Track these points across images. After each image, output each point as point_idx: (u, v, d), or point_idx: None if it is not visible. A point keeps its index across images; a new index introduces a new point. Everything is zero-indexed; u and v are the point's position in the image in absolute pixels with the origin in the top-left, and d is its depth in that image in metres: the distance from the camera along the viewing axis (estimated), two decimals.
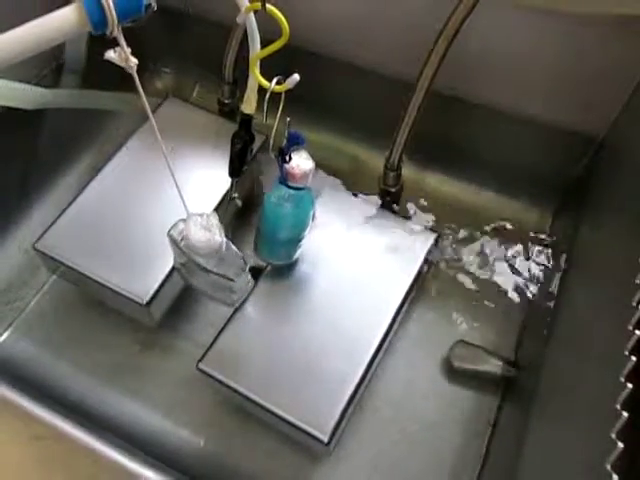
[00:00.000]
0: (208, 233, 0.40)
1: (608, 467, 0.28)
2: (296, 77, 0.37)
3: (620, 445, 0.28)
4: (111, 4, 0.25)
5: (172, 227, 0.41)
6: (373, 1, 0.57)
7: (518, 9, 0.51)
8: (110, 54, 0.29)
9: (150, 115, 0.33)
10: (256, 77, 0.39)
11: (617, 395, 0.30)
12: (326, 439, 0.46)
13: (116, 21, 0.26)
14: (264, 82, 0.39)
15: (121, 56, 0.29)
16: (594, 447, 0.31)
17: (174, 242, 0.41)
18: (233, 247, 0.44)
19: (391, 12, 0.57)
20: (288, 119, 0.41)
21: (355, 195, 0.59)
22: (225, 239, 0.42)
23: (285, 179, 0.45)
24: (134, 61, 0.29)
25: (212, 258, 0.42)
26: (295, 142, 0.43)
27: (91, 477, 0.35)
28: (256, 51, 0.39)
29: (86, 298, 0.60)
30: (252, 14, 0.37)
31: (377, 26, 0.59)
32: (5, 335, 0.59)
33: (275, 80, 0.39)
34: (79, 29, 0.26)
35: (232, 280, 0.46)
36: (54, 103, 0.59)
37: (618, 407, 0.30)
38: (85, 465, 0.36)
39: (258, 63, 0.40)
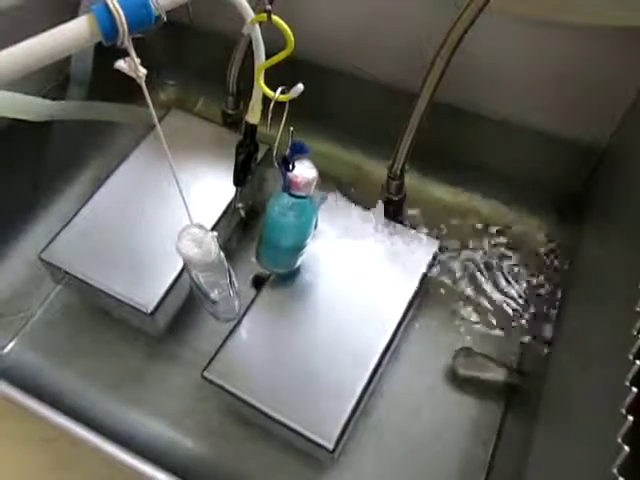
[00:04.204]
0: (196, 249, 0.39)
1: (615, 471, 0.28)
2: (300, 87, 0.38)
3: (626, 449, 0.28)
4: (122, 15, 0.26)
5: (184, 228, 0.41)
6: (376, 13, 0.58)
7: (519, 21, 0.52)
8: (120, 64, 0.29)
9: (157, 123, 0.34)
10: (261, 87, 0.39)
11: (622, 399, 0.30)
12: (331, 446, 0.46)
13: (127, 32, 0.27)
14: (269, 92, 0.39)
15: (130, 66, 0.29)
16: (600, 452, 0.31)
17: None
18: (226, 267, 0.43)
19: (393, 24, 0.58)
20: (291, 129, 0.42)
21: (358, 204, 0.59)
22: (220, 260, 0.41)
23: (288, 188, 0.46)
24: (143, 71, 0.30)
25: (199, 272, 0.42)
26: (299, 151, 0.43)
27: (105, 479, 0.36)
28: (261, 62, 0.39)
29: (91, 308, 0.60)
30: (257, 25, 0.38)
31: (379, 38, 0.59)
32: (10, 345, 0.59)
33: (279, 90, 0.39)
34: (91, 40, 0.27)
35: (214, 302, 0.46)
36: (60, 115, 0.60)
37: (623, 411, 0.30)
38: (99, 467, 0.36)
39: (263, 73, 0.40)
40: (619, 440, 0.29)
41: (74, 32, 0.26)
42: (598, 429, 0.33)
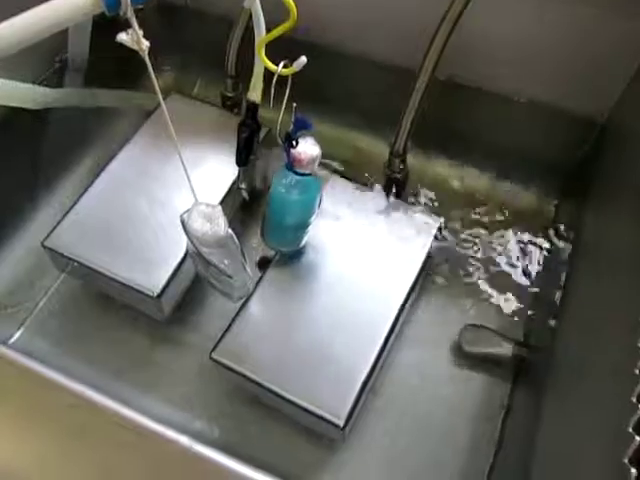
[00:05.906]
0: (209, 224, 0.39)
1: (630, 430, 0.28)
2: (303, 59, 0.38)
3: None
4: None
5: (185, 211, 0.41)
6: None
7: None
8: (122, 36, 0.29)
9: (161, 100, 0.34)
10: (263, 60, 0.39)
11: (635, 362, 0.30)
12: (342, 423, 0.46)
13: (129, 2, 0.26)
14: (271, 65, 0.39)
15: (133, 38, 0.29)
16: (614, 413, 0.31)
17: (183, 226, 0.41)
18: (236, 243, 0.43)
19: (391, 1, 0.57)
20: (294, 105, 0.41)
21: (361, 183, 0.59)
22: (230, 234, 0.41)
23: (292, 165, 0.45)
24: (146, 43, 0.29)
25: (212, 250, 0.42)
26: (302, 126, 0.43)
27: (131, 446, 0.36)
28: (262, 35, 0.39)
29: (96, 295, 0.60)
30: None
31: (377, 15, 0.59)
32: (17, 335, 0.59)
33: (282, 64, 0.39)
34: (93, 10, 0.26)
35: (230, 277, 0.46)
36: (58, 102, 0.59)
37: (637, 372, 0.30)
38: (124, 434, 0.36)
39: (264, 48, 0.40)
40: (634, 400, 0.29)
41: (76, 2, 0.26)
42: (611, 392, 0.33)
